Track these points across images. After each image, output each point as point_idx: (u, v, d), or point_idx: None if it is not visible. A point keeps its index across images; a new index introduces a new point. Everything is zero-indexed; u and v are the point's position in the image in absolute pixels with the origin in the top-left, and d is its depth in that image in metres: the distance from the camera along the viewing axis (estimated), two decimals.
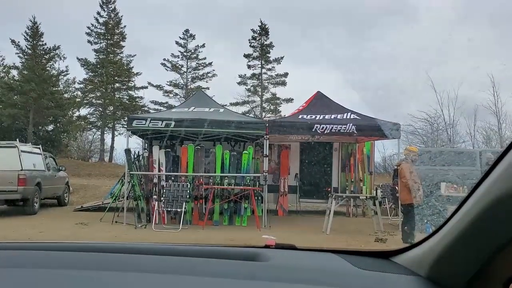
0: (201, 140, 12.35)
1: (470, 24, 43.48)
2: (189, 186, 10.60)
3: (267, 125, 11.11)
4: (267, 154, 11.14)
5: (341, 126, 11.31)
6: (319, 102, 12.85)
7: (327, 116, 11.82)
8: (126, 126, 11.46)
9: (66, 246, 1.53)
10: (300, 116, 11.94)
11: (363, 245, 8.47)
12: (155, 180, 11.26)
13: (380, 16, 51.79)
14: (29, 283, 1.13)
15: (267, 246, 1.53)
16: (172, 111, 13.03)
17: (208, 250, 1.51)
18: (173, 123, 10.75)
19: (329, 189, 15.24)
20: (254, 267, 1.29)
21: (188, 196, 10.43)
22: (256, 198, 11.05)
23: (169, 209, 10.39)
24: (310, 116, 11.79)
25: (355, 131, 11.32)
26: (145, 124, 10.72)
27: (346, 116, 11.87)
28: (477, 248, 1.01)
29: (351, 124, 11.33)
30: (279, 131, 11.25)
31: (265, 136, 10.99)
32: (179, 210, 10.18)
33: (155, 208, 10.46)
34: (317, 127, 11.19)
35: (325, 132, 11.23)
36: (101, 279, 1.16)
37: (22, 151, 12.77)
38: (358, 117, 11.83)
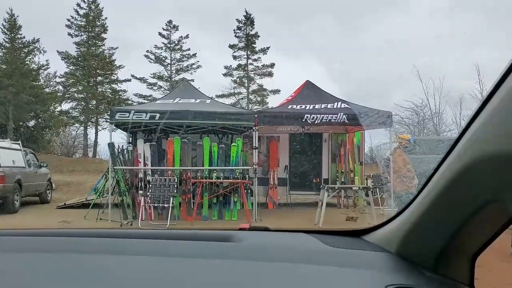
0: (187, 132, 12.03)
1: (457, 12, 43.61)
2: (176, 181, 10.24)
3: (255, 116, 10.81)
4: (257, 146, 10.84)
5: (331, 115, 11.08)
6: (309, 91, 12.58)
7: (317, 106, 11.58)
8: (109, 119, 11.03)
9: (46, 232, 1.56)
10: (289, 106, 11.67)
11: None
12: (141, 175, 10.89)
13: (368, 6, 51.70)
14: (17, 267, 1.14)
15: (241, 229, 1.56)
16: (156, 103, 12.63)
17: (182, 233, 1.55)
18: (157, 115, 10.40)
19: (318, 181, 15.05)
20: (227, 247, 1.32)
21: (175, 191, 10.08)
22: (245, 191, 10.78)
23: (156, 205, 10.05)
24: (300, 106, 11.53)
25: (346, 121, 11.10)
26: (128, 117, 10.33)
27: (337, 106, 11.64)
28: (443, 222, 1.02)
29: (341, 113, 11.11)
30: (268, 122, 10.97)
31: (254, 128, 10.69)
32: (166, 205, 9.85)
33: (141, 204, 10.11)
34: (307, 117, 10.93)
35: (316, 122, 10.99)
36: (80, 261, 1.18)
37: (0, 147, 12.31)
38: (348, 106, 11.60)
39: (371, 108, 11.44)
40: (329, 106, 11.63)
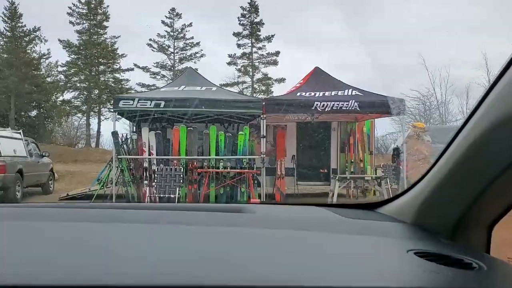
0: (192, 121, 11.74)
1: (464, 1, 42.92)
2: (182, 170, 10.01)
3: (263, 103, 10.49)
4: (265, 135, 10.54)
5: (342, 103, 10.76)
6: (318, 78, 12.26)
7: (327, 93, 11.27)
8: (112, 108, 10.75)
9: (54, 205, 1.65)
10: (298, 94, 11.36)
11: None
12: (146, 165, 10.65)
13: None
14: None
15: (253, 203, 1.54)
16: (161, 90, 12.33)
17: (196, 206, 1.67)
18: (162, 103, 10.11)
19: (325, 171, 14.77)
20: (240, 217, 1.34)
21: (181, 181, 9.86)
22: (252, 182, 10.52)
23: (161, 195, 9.79)
24: (309, 93, 11.22)
25: (358, 108, 10.77)
26: (132, 105, 10.05)
27: (347, 93, 11.32)
28: (460, 192, 1.02)
29: (353, 100, 10.78)
30: (277, 110, 10.65)
31: (262, 116, 10.39)
32: (172, 196, 9.60)
33: (147, 195, 9.86)
34: (317, 104, 10.62)
35: (326, 110, 10.68)
36: (103, 229, 1.19)
37: (0, 136, 12.05)
38: (360, 93, 11.28)
39: (384, 95, 11.11)
40: (339, 93, 11.31)
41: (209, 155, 10.67)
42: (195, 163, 10.65)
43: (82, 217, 1.33)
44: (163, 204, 1.69)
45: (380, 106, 10.86)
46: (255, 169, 10.69)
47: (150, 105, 10.10)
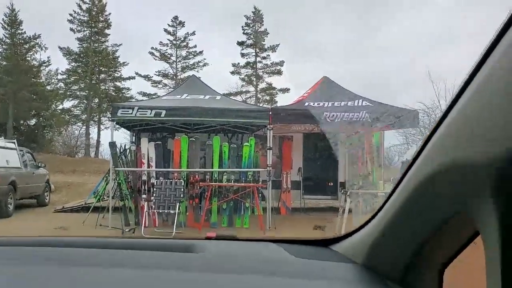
0: (194, 131, 11.31)
1: (471, 10, 42.68)
2: (183, 184, 9.52)
3: (270, 113, 10.04)
4: (271, 146, 10.07)
5: (353, 114, 10.32)
6: (326, 88, 11.85)
7: (336, 103, 10.84)
8: (110, 116, 10.35)
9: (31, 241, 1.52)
10: (306, 104, 10.92)
11: None
12: (144, 177, 10.18)
13: (379, 4, 50.93)
14: None
15: (208, 238, 1.56)
16: (162, 99, 11.94)
17: (143, 243, 1.51)
18: (163, 112, 9.68)
19: (332, 184, 14.31)
20: (187, 258, 1.32)
21: (182, 195, 9.36)
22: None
23: (160, 211, 9.31)
24: (318, 104, 10.80)
25: (369, 120, 10.32)
26: (132, 114, 9.60)
27: (358, 103, 10.89)
28: (409, 233, 1.01)
29: (364, 111, 10.35)
30: (284, 120, 10.21)
31: (268, 126, 9.93)
32: (172, 211, 9.11)
33: (145, 209, 9.38)
34: (326, 115, 10.19)
35: (336, 120, 10.23)
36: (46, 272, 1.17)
37: None
38: (370, 104, 10.85)
39: (397, 107, 10.66)
40: (349, 103, 10.89)
41: (212, 168, 10.20)
42: (197, 176, 10.18)
43: None
44: (99, 240, 1.52)
45: (392, 117, 10.40)
46: (260, 182, 10.22)
47: (150, 114, 9.67)
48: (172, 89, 33.04)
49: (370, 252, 1.15)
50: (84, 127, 37.08)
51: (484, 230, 0.70)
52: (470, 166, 0.69)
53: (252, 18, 37.53)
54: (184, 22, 38.57)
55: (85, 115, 36.13)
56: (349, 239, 1.33)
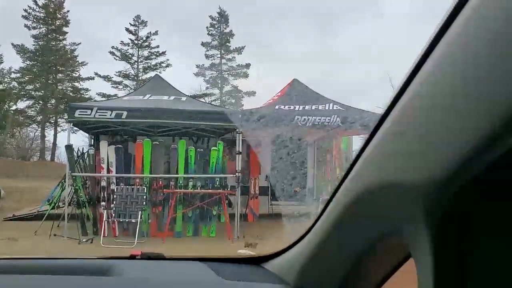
0: (157, 134, 10.81)
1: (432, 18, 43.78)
2: (145, 191, 9.06)
3: (240, 116, 9.70)
4: (240, 150, 9.72)
5: (324, 118, 10.14)
6: (296, 91, 11.59)
7: (307, 107, 10.61)
8: (67, 117, 9.76)
9: None
10: (277, 107, 10.63)
11: None
12: (104, 183, 9.64)
13: (343, 10, 51.65)
14: None
15: (132, 257, 1.47)
16: (124, 99, 11.37)
17: (51, 264, 1.42)
18: (125, 113, 9.16)
19: (298, 190, 14.11)
20: (98, 284, 1.24)
21: (144, 203, 8.88)
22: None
23: (121, 219, 8.78)
24: (289, 107, 10.54)
25: (340, 124, 10.14)
26: (90, 115, 9.05)
27: (329, 107, 10.69)
28: (340, 253, 0.98)
29: (335, 116, 10.17)
30: (254, 124, 9.86)
31: (237, 130, 9.58)
32: (133, 220, 8.61)
33: (104, 218, 8.83)
34: (298, 119, 9.95)
35: (307, 124, 10.02)
36: None
37: None
38: (341, 108, 10.69)
39: (368, 112, 10.54)
40: (320, 107, 10.69)
41: (177, 173, 9.75)
42: (160, 182, 9.73)
43: None
44: (7, 262, 1.32)
45: (363, 122, 10.24)
46: (229, 188, 9.85)
47: (111, 115, 9.13)
48: (133, 91, 32.34)
49: (301, 272, 1.12)
50: (40, 129, 35.76)
51: (415, 254, 0.69)
52: (399, 187, 0.67)
53: (217, 18, 37.22)
54: (147, 21, 37.92)
55: (41, 117, 34.85)
56: (281, 257, 1.28)
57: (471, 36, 0.50)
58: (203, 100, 35.87)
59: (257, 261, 1.39)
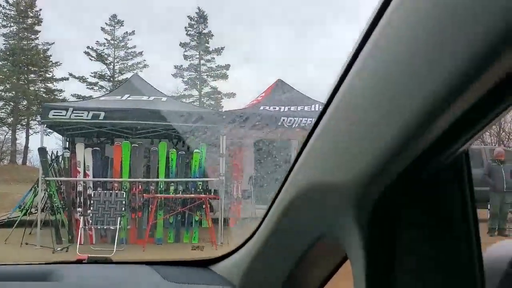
0: (136, 136, 10.46)
1: None
2: (124, 196, 8.71)
3: (224, 117, 9.45)
4: (223, 153, 9.46)
5: (311, 119, 9.92)
6: (281, 91, 11.42)
7: (292, 108, 10.44)
8: (41, 120, 9.39)
9: None
10: (261, 108, 10.42)
11: None
12: (80, 188, 9.26)
13: (325, 16, 52.00)
14: None
15: (78, 261, 1.48)
16: (100, 100, 10.98)
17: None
18: (102, 114, 8.86)
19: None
20: None
21: (123, 209, 8.53)
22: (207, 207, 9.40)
23: (98, 226, 8.42)
24: (274, 108, 10.34)
25: None
26: (65, 115, 8.70)
27: (315, 108, 10.53)
28: (281, 255, 1.01)
29: None
30: (239, 125, 9.64)
31: (221, 131, 9.33)
32: (112, 227, 8.25)
33: (80, 225, 8.45)
34: (284, 120, 9.77)
35: (294, 126, 9.84)
36: None
37: None
38: None
39: None
40: (306, 108, 10.52)
41: (158, 177, 9.43)
42: (140, 187, 9.40)
43: None
44: None
45: None
46: (212, 192, 9.59)
47: (87, 116, 8.81)
48: (109, 91, 31.81)
49: (245, 274, 1.15)
50: (10, 131, 34.86)
51: (349, 252, 0.71)
52: (330, 187, 0.71)
53: (196, 19, 36.90)
54: (123, 21, 37.37)
55: (12, 119, 33.95)
56: (228, 259, 1.31)
57: (392, 37, 0.52)
58: (182, 101, 35.61)
59: (206, 263, 1.41)
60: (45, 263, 1.46)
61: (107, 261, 1.50)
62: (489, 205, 10.87)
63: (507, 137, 33.48)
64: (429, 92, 0.46)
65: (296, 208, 0.87)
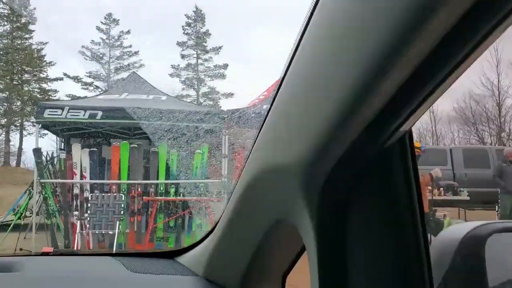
0: (134, 137, 10.24)
1: None
2: (123, 198, 8.49)
3: (226, 117, 9.23)
4: (226, 154, 9.24)
5: None
6: None
7: None
8: (35, 120, 9.18)
9: None
10: (264, 107, 10.13)
11: None
12: (77, 191, 9.05)
13: None
14: None
15: (44, 254, 1.53)
16: (98, 98, 10.77)
17: None
18: (100, 113, 8.64)
19: None
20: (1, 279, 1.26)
21: (122, 212, 8.31)
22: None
23: (97, 231, 8.18)
24: None
25: None
26: (61, 115, 8.49)
27: None
28: (242, 242, 1.03)
29: None
30: (242, 125, 9.42)
31: (224, 131, 9.11)
32: (110, 232, 8.01)
33: (77, 230, 8.22)
34: None
35: None
36: None
37: None
38: None
39: None
40: None
41: (158, 179, 9.23)
42: (139, 189, 9.20)
43: None
44: None
45: None
46: (214, 194, 9.37)
47: (84, 115, 8.61)
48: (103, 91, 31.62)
49: (209, 264, 1.17)
50: (4, 132, 34.63)
51: (304, 237, 0.72)
52: (282, 167, 0.73)
53: (193, 17, 36.77)
54: (119, 20, 37.12)
55: (5, 119, 33.73)
56: (193, 250, 1.33)
57: (317, 40, 0.59)
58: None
59: (172, 255, 1.42)
60: (11, 255, 1.49)
61: (72, 253, 1.48)
62: (497, 207, 10.69)
63: (507, 137, 33.49)
64: (359, 73, 0.49)
65: (252, 195, 0.89)
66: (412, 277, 0.62)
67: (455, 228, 0.96)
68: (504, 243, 0.91)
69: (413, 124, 0.60)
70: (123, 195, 8.63)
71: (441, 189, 10.83)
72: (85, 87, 36.68)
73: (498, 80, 32.86)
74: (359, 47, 0.48)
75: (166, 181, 9.26)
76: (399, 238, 0.62)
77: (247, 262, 1.03)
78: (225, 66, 36.56)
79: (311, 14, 0.60)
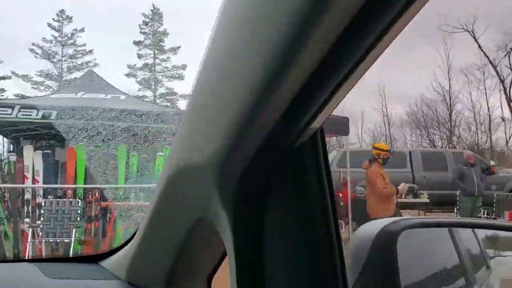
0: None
1: None
2: (79, 204, 8.12)
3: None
4: None
5: None
6: None
7: None
8: None
9: None
10: None
11: None
12: (28, 196, 8.63)
13: None
14: None
15: None
16: (51, 97, 10.30)
17: None
18: (54, 113, 8.21)
19: None
20: None
21: (78, 219, 7.92)
22: None
23: (51, 239, 7.74)
24: None
25: None
26: (11, 114, 8.08)
27: None
28: (163, 245, 1.01)
29: None
30: None
31: None
32: (66, 240, 7.58)
33: (29, 239, 7.75)
34: None
35: None
36: None
37: None
38: None
39: (335, 115, 10.14)
40: None
41: (117, 183, 8.92)
42: (97, 194, 8.90)
43: None
44: None
45: (327, 125, 9.84)
46: None
47: (37, 115, 8.21)
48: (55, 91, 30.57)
49: (132, 267, 1.14)
50: None
51: (223, 237, 0.72)
52: (198, 164, 0.72)
53: (150, 16, 36.16)
54: (72, 17, 36.01)
55: None
56: (117, 254, 1.28)
57: (229, 27, 0.58)
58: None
59: (96, 259, 1.39)
60: None
61: None
62: (456, 209, 10.92)
63: (456, 140, 34.75)
64: (266, 65, 0.49)
65: (172, 192, 0.87)
66: (326, 272, 0.63)
67: (370, 224, 1.00)
68: (414, 238, 0.99)
69: (323, 122, 0.60)
70: (79, 200, 8.28)
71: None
72: (36, 86, 35.50)
73: (449, 85, 34.24)
74: (264, 39, 0.48)
75: (126, 185, 8.99)
76: (312, 235, 0.64)
77: (170, 263, 1.01)
78: (184, 67, 36.23)
79: (217, 19, 0.60)
